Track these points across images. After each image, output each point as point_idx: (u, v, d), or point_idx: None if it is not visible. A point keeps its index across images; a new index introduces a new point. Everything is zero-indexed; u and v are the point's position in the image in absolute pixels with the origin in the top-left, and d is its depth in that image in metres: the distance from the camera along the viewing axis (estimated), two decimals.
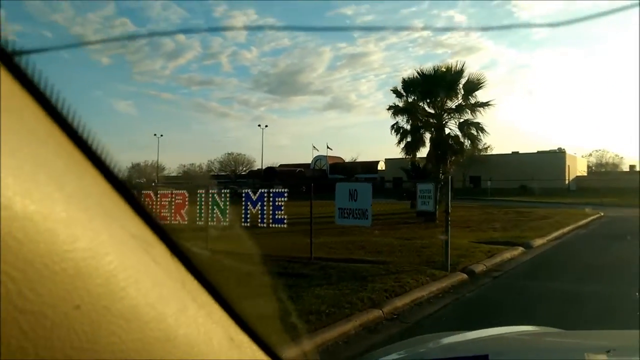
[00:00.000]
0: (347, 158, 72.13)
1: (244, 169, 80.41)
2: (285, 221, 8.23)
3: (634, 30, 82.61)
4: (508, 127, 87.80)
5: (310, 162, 70.20)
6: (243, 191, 8.98)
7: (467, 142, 18.15)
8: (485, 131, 17.58)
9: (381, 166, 66.98)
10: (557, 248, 10.49)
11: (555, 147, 53.49)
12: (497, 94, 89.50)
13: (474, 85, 17.73)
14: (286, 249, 8.35)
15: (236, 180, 54.30)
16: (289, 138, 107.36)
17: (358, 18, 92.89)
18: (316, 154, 69.95)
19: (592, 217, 18.50)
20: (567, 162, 51.39)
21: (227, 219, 8.70)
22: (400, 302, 5.25)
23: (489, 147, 63.93)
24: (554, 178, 48.24)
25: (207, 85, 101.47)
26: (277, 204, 8.29)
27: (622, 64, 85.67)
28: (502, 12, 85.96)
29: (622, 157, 64.10)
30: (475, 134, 17.75)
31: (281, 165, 72.19)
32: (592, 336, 2.01)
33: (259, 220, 8.40)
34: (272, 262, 7.10)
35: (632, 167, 59.00)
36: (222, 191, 9.14)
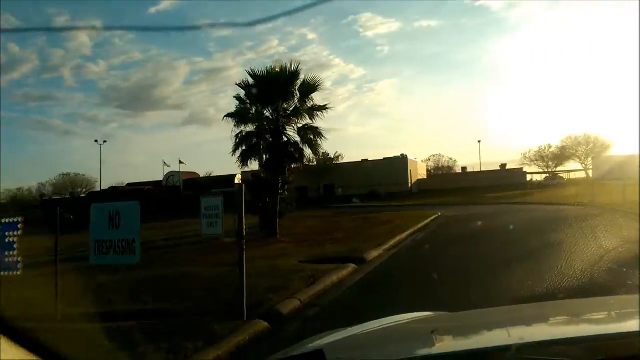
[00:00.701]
0: (204, 173, 68.05)
1: (83, 190, 70.89)
2: (19, 266, 5.51)
3: (468, 50, 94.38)
4: (359, 137, 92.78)
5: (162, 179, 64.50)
6: None
7: (307, 149, 16.82)
8: (324, 136, 16.50)
9: (238, 179, 64.61)
10: (392, 261, 9.50)
11: (399, 154, 57.05)
12: (349, 107, 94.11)
13: (310, 87, 16.56)
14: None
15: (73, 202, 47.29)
16: (144, 155, 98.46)
17: (214, 33, 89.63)
18: (168, 170, 64.62)
19: (430, 219, 18.79)
20: (410, 167, 55.16)
21: None
22: None
23: (339, 155, 66.24)
24: (398, 182, 51.32)
25: (47, 101, 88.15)
26: (6, 240, 5.54)
27: (452, 79, 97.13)
28: (349, 31, 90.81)
29: (455, 160, 71.59)
30: (314, 139, 16.52)
31: (128, 185, 65.13)
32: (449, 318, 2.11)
33: None
34: None
35: (464, 169, 66.03)
36: None
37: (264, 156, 16.65)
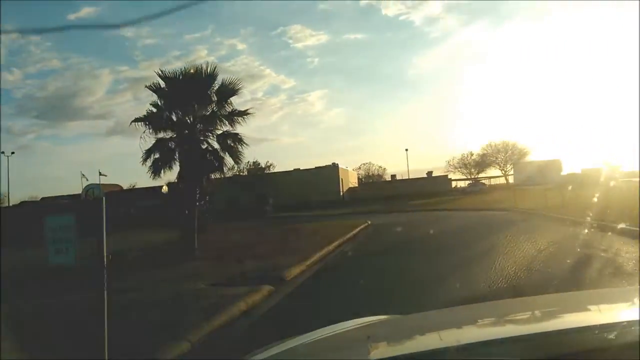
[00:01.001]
0: (128, 185, 63.74)
1: None
2: None
3: (385, 64, 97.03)
4: (292, 147, 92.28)
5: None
6: None
7: (227, 157, 15.53)
8: (245, 143, 15.33)
9: (165, 190, 61.17)
10: (314, 280, 8.51)
11: (330, 163, 56.91)
12: (281, 117, 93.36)
13: (228, 91, 15.34)
14: None
15: None
16: (64, 168, 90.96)
17: (139, 41, 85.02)
18: (87, 182, 59.72)
19: (359, 228, 18.21)
20: (341, 176, 55.19)
21: None
22: None
23: (271, 165, 65.06)
24: (330, 191, 51.10)
25: None
26: None
27: (380, 90, 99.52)
28: (279, 42, 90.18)
29: (385, 169, 72.91)
30: (234, 146, 15.29)
31: (43, 199, 59.44)
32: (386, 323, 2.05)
33: None
34: None
35: (393, 176, 67.36)
36: None
37: (180, 165, 15.19)
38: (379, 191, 56.00)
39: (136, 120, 15.06)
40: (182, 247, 14.79)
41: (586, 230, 11.89)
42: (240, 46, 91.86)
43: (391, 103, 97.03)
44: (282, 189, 50.70)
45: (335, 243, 12.92)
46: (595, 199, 15.46)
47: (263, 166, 61.98)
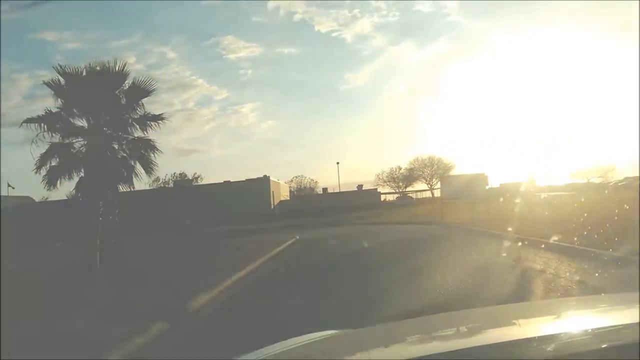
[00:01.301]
0: (40, 197, 58.00)
1: None
2: None
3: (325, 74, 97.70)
4: (223, 159, 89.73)
5: None
6: None
7: (138, 166, 13.89)
8: (159, 150, 13.79)
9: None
10: (223, 311, 7.14)
11: (262, 175, 55.51)
12: (212, 128, 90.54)
13: (141, 92, 13.77)
14: None
15: None
16: None
17: (61, 46, 78.50)
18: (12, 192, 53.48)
19: (288, 243, 17.18)
20: (272, 188, 53.95)
21: None
22: None
23: (199, 176, 62.43)
24: (261, 204, 49.66)
25: None
26: None
27: (312, 104, 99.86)
28: (212, 52, 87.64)
29: (317, 182, 72.63)
30: (147, 154, 13.70)
31: None
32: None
33: None
34: None
35: (324, 189, 67.16)
36: None
37: (81, 175, 13.33)
38: (311, 204, 55.46)
39: (28, 121, 13.06)
40: (83, 268, 12.94)
41: (509, 243, 11.84)
42: (171, 55, 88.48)
43: (324, 117, 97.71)
44: (210, 202, 48.51)
45: (258, 262, 11.76)
46: (516, 212, 15.67)
47: (190, 178, 59.28)
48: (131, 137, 13.76)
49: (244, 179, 55.19)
